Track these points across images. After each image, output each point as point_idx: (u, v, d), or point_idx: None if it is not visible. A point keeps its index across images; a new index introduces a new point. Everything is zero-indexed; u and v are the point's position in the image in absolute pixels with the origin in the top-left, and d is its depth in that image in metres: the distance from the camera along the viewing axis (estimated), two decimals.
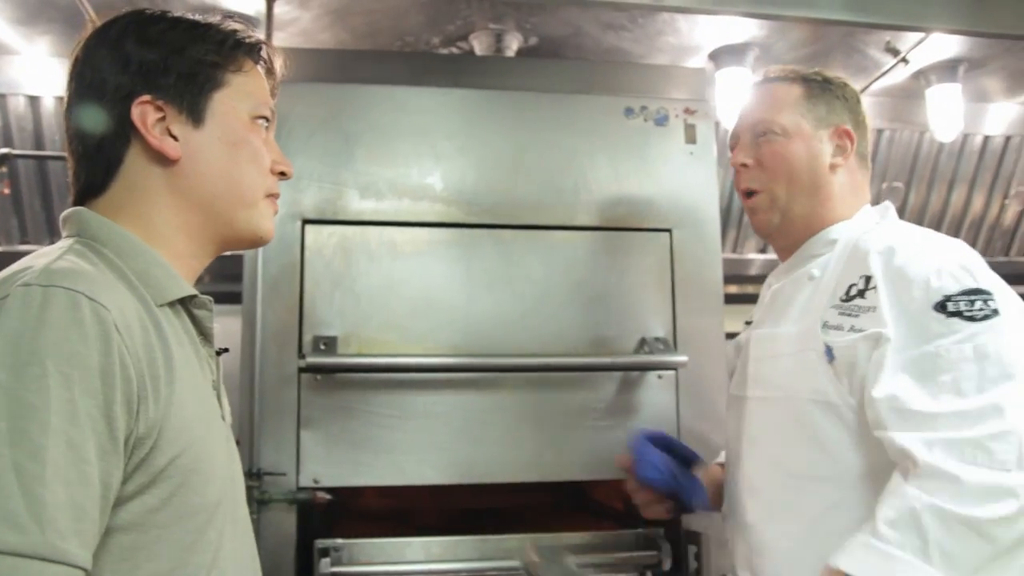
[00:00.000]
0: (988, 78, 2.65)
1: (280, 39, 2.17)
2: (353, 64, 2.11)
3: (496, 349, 1.81)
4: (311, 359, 1.66)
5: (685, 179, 1.95)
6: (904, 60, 2.31)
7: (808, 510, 1.29)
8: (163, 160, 0.99)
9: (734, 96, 2.52)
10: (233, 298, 1.75)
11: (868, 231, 1.35)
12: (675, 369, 1.86)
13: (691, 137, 1.96)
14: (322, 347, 1.71)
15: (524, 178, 1.88)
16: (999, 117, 2.86)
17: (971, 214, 3.05)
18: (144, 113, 0.97)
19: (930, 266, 1.22)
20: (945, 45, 2.44)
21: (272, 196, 1.08)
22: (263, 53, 1.10)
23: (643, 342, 1.87)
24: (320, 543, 1.67)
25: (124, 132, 0.98)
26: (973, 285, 1.20)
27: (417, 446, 1.75)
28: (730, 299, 2.04)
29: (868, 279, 1.26)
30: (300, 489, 1.68)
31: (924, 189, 2.94)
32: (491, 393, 1.80)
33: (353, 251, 1.79)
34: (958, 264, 1.22)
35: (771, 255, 3.02)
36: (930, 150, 2.91)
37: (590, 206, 1.90)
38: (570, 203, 1.89)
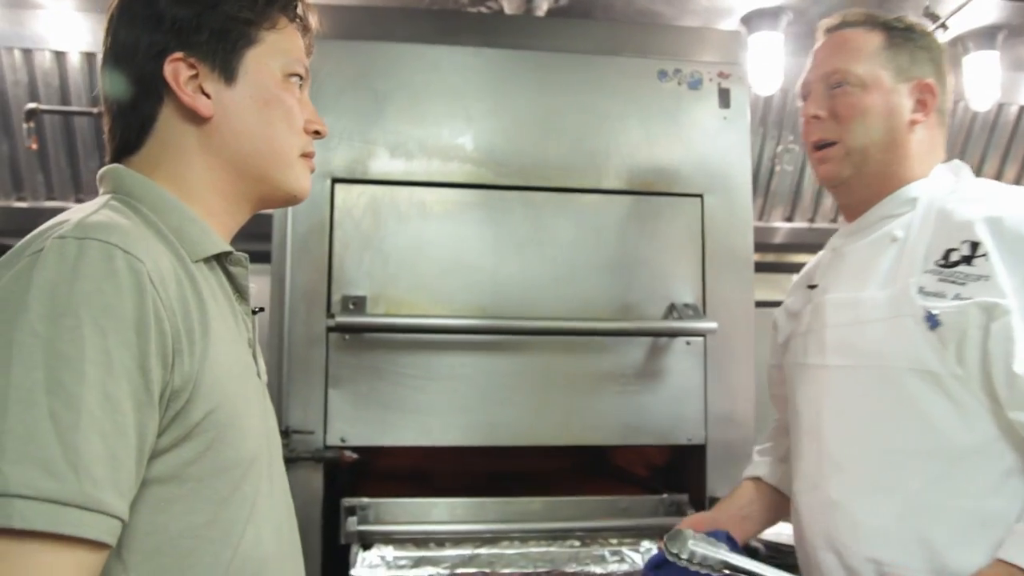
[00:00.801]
0: None
1: None
2: (382, 21, 2.08)
3: (524, 312, 1.80)
4: (340, 318, 1.66)
5: (717, 144, 1.92)
6: (944, 26, 2.26)
7: (905, 486, 1.21)
8: (196, 118, 0.98)
9: (767, 60, 2.48)
10: (262, 257, 1.74)
11: (952, 192, 1.27)
12: (704, 336, 1.85)
13: (725, 102, 1.93)
14: (351, 307, 1.71)
15: (555, 140, 1.86)
16: None
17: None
18: (177, 71, 0.96)
19: None
20: (985, 10, 2.38)
21: (307, 155, 1.07)
22: (298, 10, 1.08)
23: (672, 308, 1.86)
24: (347, 501, 1.68)
25: (157, 90, 0.97)
26: None
27: (443, 407, 1.76)
28: (756, 267, 2.02)
29: (975, 246, 1.17)
30: (327, 447, 1.69)
31: (957, 157, 2.89)
32: (518, 356, 1.80)
33: (382, 211, 1.78)
34: None
35: (798, 223, 3.00)
36: (963, 119, 2.86)
37: (621, 170, 1.88)
38: (601, 166, 1.87)
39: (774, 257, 3.17)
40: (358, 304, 1.72)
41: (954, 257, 1.19)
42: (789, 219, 2.97)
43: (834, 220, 2.98)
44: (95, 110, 2.48)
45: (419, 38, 1.92)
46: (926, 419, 1.19)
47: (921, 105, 1.32)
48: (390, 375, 1.74)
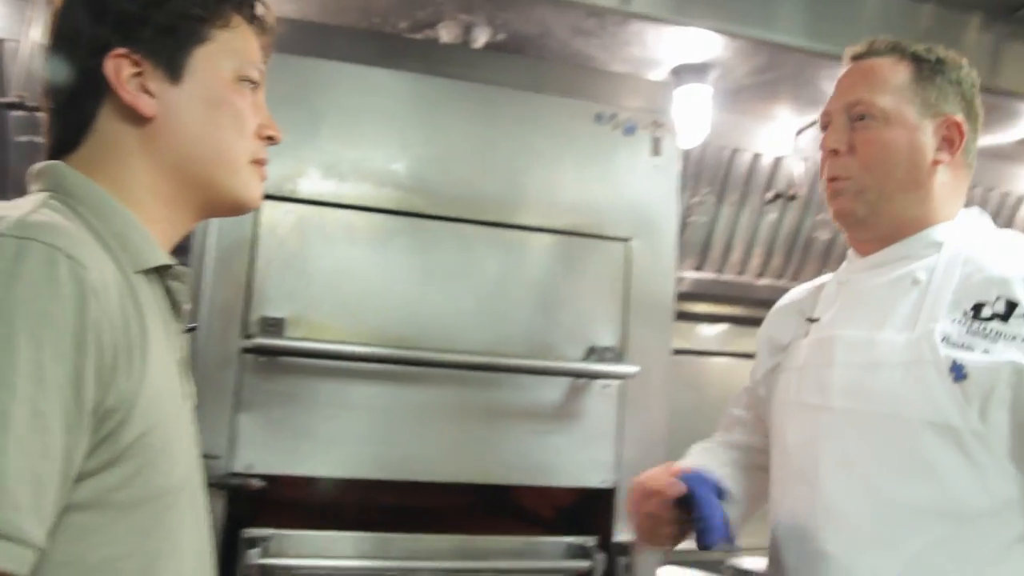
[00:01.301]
0: None
1: None
2: (322, 38, 2.04)
3: (445, 344, 1.78)
4: (259, 340, 1.60)
5: (647, 191, 1.95)
6: None
7: (908, 545, 1.13)
8: (137, 118, 0.92)
9: (692, 113, 2.54)
10: None
11: (981, 240, 1.22)
12: (622, 379, 1.86)
13: (657, 150, 1.97)
14: (269, 328, 1.65)
15: (489, 174, 1.85)
16: None
17: None
18: (118, 67, 0.91)
19: None
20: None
21: (258, 161, 1.03)
22: (255, 10, 1.04)
23: (592, 350, 1.87)
24: (248, 532, 1.60)
25: (97, 86, 0.91)
26: None
27: (355, 438, 1.71)
28: None
29: (1013, 305, 1.11)
30: (232, 474, 1.61)
31: None
32: (437, 389, 1.77)
33: (309, 232, 1.73)
34: None
35: (706, 272, 3.08)
36: None
37: (552, 208, 1.88)
38: (533, 203, 1.87)
39: (678, 305, 3.24)
40: (277, 326, 1.66)
41: (986, 312, 1.13)
42: (699, 268, 3.04)
43: (741, 273, 3.07)
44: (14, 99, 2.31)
45: (358, 59, 1.88)
46: (939, 475, 1.12)
47: (947, 144, 1.25)
48: (304, 402, 1.68)
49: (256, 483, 1.61)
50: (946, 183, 1.26)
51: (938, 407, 1.12)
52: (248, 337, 1.62)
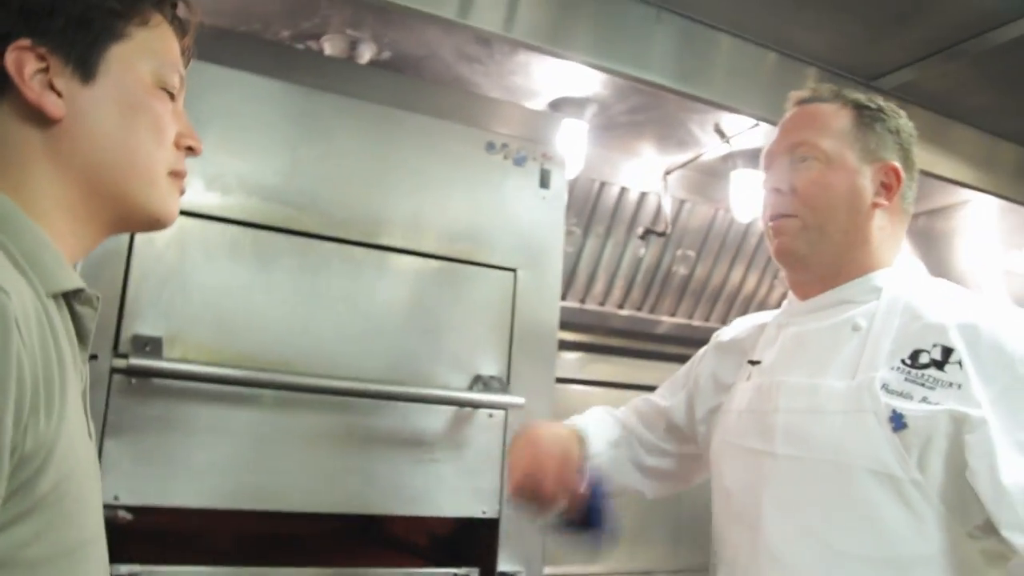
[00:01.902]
0: None
1: None
2: (205, 40, 1.92)
3: (331, 370, 1.71)
4: (134, 360, 1.48)
5: (535, 223, 1.97)
6: (727, 141, 2.49)
7: None
8: (42, 119, 0.84)
9: (568, 146, 2.59)
10: None
11: (918, 287, 1.26)
12: (509, 409, 1.85)
13: (545, 182, 1.99)
14: (146, 348, 1.53)
15: (380, 196, 1.81)
16: None
17: (744, 290, 3.34)
18: (20, 60, 0.83)
19: None
20: (768, 134, 2.67)
21: (176, 174, 0.95)
22: (177, 9, 0.97)
23: (478, 379, 1.86)
24: (117, 569, 1.47)
25: None
26: None
27: (234, 467, 1.61)
28: None
29: (948, 352, 1.14)
30: None
31: (711, 261, 3.18)
32: (320, 416, 1.70)
33: (189, 246, 1.63)
34: None
35: (570, 302, 3.13)
36: (722, 225, 3.16)
37: (441, 235, 1.86)
38: (422, 229, 1.84)
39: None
40: (154, 346, 1.54)
41: (923, 359, 1.16)
42: (563, 297, 3.09)
43: (603, 303, 3.14)
44: None
45: (239, 65, 1.79)
46: (879, 523, 1.14)
47: (885, 189, 1.29)
48: (179, 428, 1.57)
49: (123, 515, 1.49)
50: (884, 227, 1.30)
51: (878, 456, 1.14)
52: (120, 356, 1.50)
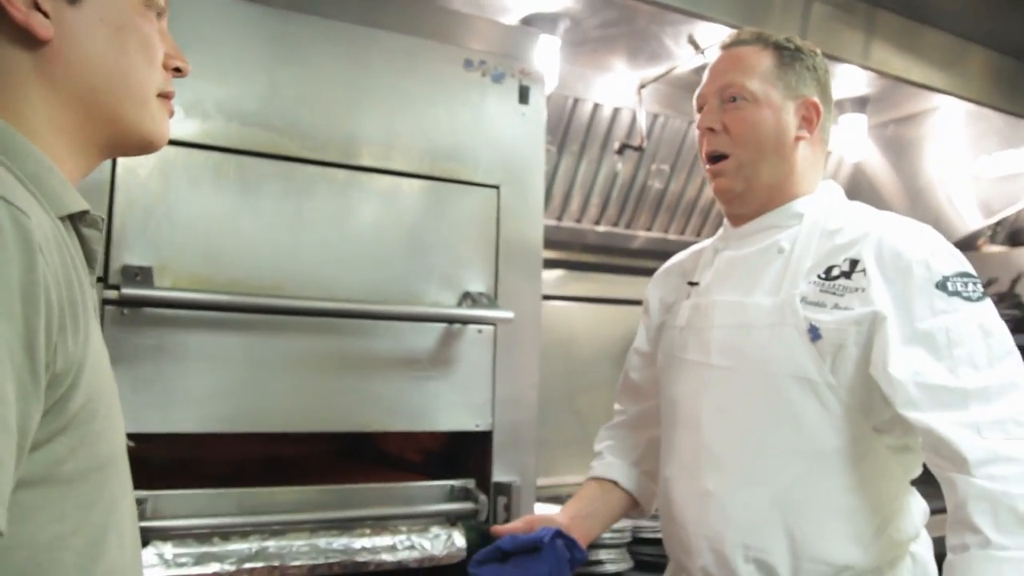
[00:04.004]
0: None
1: None
2: None
3: (320, 293, 1.73)
4: (126, 290, 1.48)
5: (516, 139, 1.97)
6: (702, 53, 2.49)
7: (775, 481, 1.32)
8: (31, 41, 0.83)
9: (542, 62, 2.57)
10: None
11: (834, 211, 1.40)
12: (498, 324, 1.89)
13: (524, 98, 1.99)
14: (135, 278, 1.53)
15: (361, 118, 1.80)
16: None
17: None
18: None
19: (925, 248, 1.28)
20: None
21: (165, 95, 0.95)
22: None
23: (466, 295, 1.88)
24: None
25: None
26: (963, 268, 1.28)
27: (230, 392, 1.63)
28: None
29: (854, 263, 1.30)
30: None
31: (685, 175, 3.20)
32: (312, 338, 1.72)
33: (173, 174, 1.61)
34: (947, 249, 1.31)
35: (547, 220, 3.15)
36: (696, 139, 3.17)
37: (424, 154, 1.86)
38: (405, 149, 1.84)
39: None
40: (144, 275, 1.54)
41: (835, 272, 1.31)
42: (559, 219, 3.11)
43: (579, 220, 3.17)
44: None
45: None
46: (799, 421, 1.31)
47: (806, 122, 1.42)
48: (174, 355, 1.58)
49: (127, 443, 1.51)
50: (807, 158, 1.44)
51: (799, 363, 1.30)
52: (111, 287, 1.50)
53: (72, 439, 0.74)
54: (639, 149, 2.78)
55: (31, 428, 0.68)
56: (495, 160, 1.94)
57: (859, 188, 3.47)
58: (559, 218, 3.14)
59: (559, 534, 1.46)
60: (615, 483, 1.62)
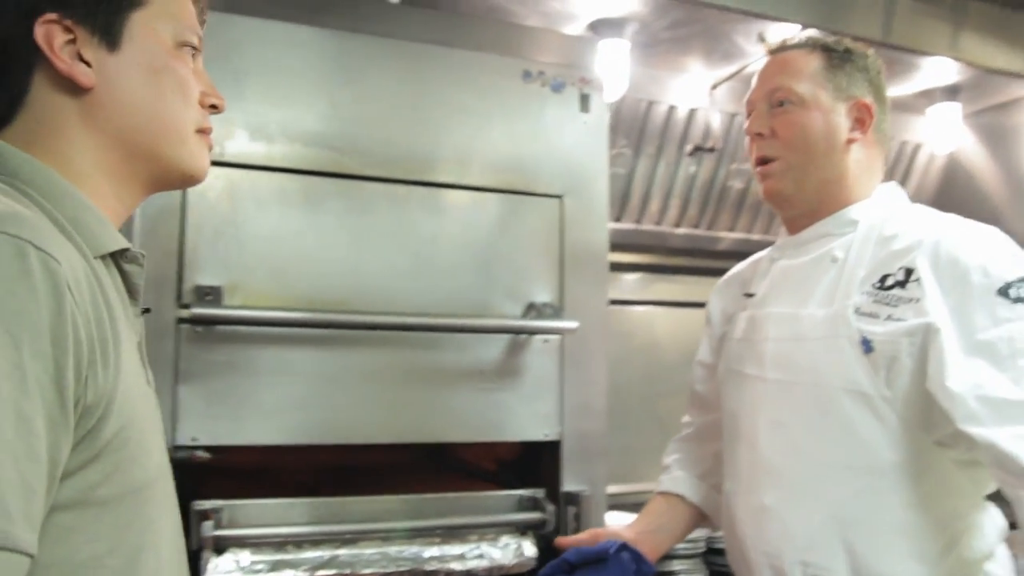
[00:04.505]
0: None
1: None
2: None
3: (384, 307, 1.77)
4: (196, 310, 1.55)
5: (578, 148, 1.97)
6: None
7: (833, 496, 1.28)
8: (75, 88, 0.88)
9: (611, 67, 2.56)
10: None
11: (891, 216, 1.35)
12: (563, 334, 1.89)
13: (585, 106, 1.98)
14: (207, 297, 1.60)
15: (421, 133, 1.83)
16: None
17: None
18: (50, 33, 0.86)
19: (983, 253, 1.22)
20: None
21: (203, 131, 0.99)
22: None
23: (531, 306, 1.89)
24: (199, 505, 1.57)
25: (28, 55, 0.86)
26: None
27: (300, 404, 1.69)
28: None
29: (909, 271, 1.25)
30: (177, 448, 1.57)
31: None
32: (378, 352, 1.76)
33: (240, 196, 1.68)
34: (1010, 252, 1.24)
35: (625, 224, 3.13)
36: None
37: (485, 167, 1.88)
38: (465, 162, 1.86)
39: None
40: (214, 295, 1.62)
41: (890, 282, 1.27)
42: (618, 219, 3.09)
43: (659, 223, 3.13)
44: None
45: (275, 15, 1.82)
46: (855, 436, 1.26)
47: (859, 124, 1.38)
48: (245, 370, 1.65)
49: (201, 455, 1.58)
50: (860, 160, 1.40)
51: (852, 376, 1.26)
52: (184, 307, 1.58)
53: (106, 465, 0.78)
54: (711, 151, 2.73)
55: (61, 458, 0.73)
56: (557, 170, 1.94)
57: (955, 180, 3.32)
58: (638, 221, 3.12)
59: (625, 547, 1.45)
60: (682, 497, 1.59)
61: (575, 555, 1.48)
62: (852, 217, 1.38)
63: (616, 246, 3.16)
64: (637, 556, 1.46)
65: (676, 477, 1.61)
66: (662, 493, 1.61)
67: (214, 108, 1.00)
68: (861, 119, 1.39)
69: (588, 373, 1.93)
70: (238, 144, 1.68)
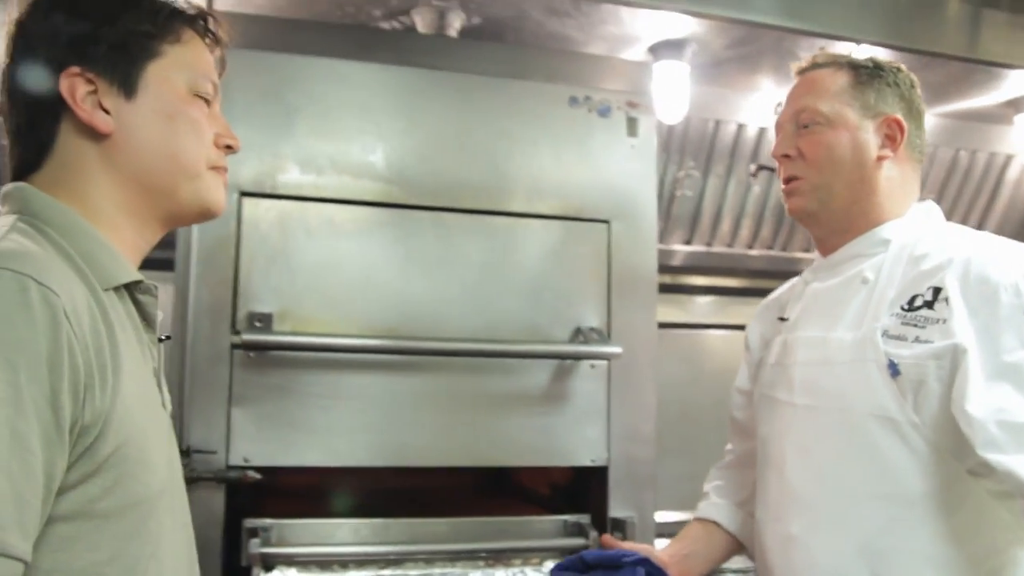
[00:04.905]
0: None
1: (217, 2, 2.10)
2: (293, 33, 2.05)
3: (432, 333, 1.81)
4: (247, 336, 1.63)
5: (625, 172, 1.97)
6: None
7: (861, 527, 1.23)
8: (96, 135, 0.95)
9: (672, 89, 2.55)
10: (166, 265, 1.70)
11: (924, 235, 1.31)
12: (608, 359, 1.89)
13: (633, 130, 1.99)
14: (257, 324, 1.68)
15: (467, 162, 1.87)
16: None
17: None
18: (73, 86, 0.94)
19: (1015, 272, 1.17)
20: (888, 54, 2.52)
21: (217, 168, 1.05)
22: (207, 23, 1.06)
23: (578, 331, 1.90)
24: (249, 523, 1.64)
25: (54, 107, 0.94)
26: None
27: (349, 427, 1.74)
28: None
29: (937, 291, 1.21)
30: (230, 468, 1.65)
31: None
32: (425, 377, 1.80)
33: (291, 226, 1.76)
34: None
35: (696, 246, 3.10)
36: None
37: (531, 193, 1.90)
38: (512, 189, 1.89)
39: (671, 279, 3.26)
40: (265, 321, 1.69)
41: (918, 302, 1.22)
42: (688, 242, 3.06)
43: (731, 244, 3.09)
44: None
45: (331, 52, 1.90)
46: (884, 464, 1.22)
47: (889, 141, 1.33)
48: (296, 394, 1.71)
49: (253, 475, 1.65)
50: (892, 177, 1.35)
51: (880, 402, 1.22)
52: (237, 333, 1.66)
53: (105, 480, 0.84)
54: (774, 169, 2.67)
55: (57, 473, 0.79)
56: (604, 194, 1.95)
57: None
58: (709, 243, 3.08)
59: (644, 562, 1.42)
60: (718, 524, 1.56)
61: (592, 555, 1.45)
62: (884, 236, 1.33)
63: (687, 269, 3.15)
64: (657, 572, 1.43)
65: (713, 504, 1.58)
66: (699, 519, 1.59)
67: (229, 148, 1.06)
68: (892, 136, 1.34)
69: (637, 398, 1.92)
70: (289, 177, 1.76)
